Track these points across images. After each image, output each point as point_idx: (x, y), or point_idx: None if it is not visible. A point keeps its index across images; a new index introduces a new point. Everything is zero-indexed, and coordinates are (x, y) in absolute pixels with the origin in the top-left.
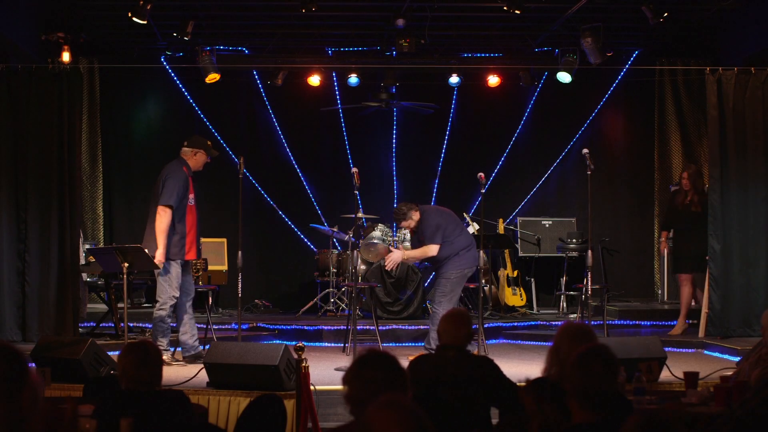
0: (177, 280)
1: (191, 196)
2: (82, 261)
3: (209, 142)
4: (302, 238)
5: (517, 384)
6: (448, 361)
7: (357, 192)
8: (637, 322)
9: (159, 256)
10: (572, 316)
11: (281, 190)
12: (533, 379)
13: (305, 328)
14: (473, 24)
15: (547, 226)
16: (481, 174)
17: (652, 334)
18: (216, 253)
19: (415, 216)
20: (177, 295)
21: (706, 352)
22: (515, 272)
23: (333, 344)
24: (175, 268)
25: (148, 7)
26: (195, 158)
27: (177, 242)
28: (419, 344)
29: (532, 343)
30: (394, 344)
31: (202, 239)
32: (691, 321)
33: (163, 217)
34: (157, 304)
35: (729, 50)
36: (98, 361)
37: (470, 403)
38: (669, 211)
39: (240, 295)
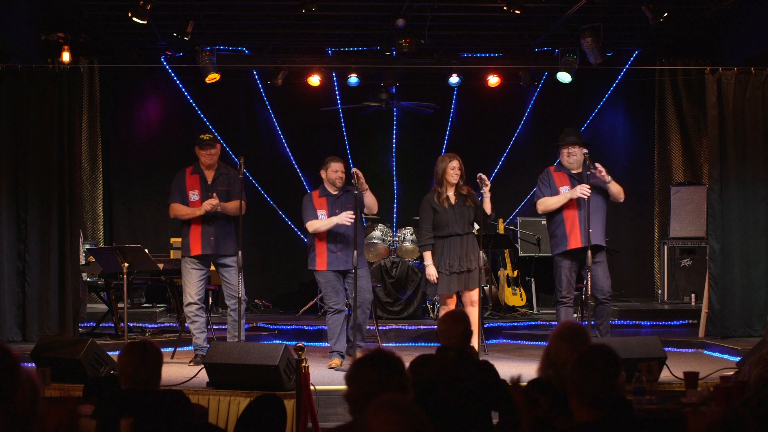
0: (188, 278)
1: (190, 192)
2: (82, 261)
3: (203, 136)
4: (302, 238)
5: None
6: (448, 361)
7: (357, 192)
8: (637, 322)
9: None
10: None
11: (281, 190)
12: (528, 381)
13: (305, 328)
14: (473, 24)
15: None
16: (481, 174)
17: (652, 334)
18: None
19: None
20: (192, 293)
21: (706, 352)
22: (515, 272)
23: None
24: (186, 266)
25: (148, 7)
26: (198, 154)
27: (183, 240)
28: (419, 344)
29: (532, 343)
30: (394, 344)
31: None
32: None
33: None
34: None
35: (729, 50)
36: (98, 361)
37: (470, 403)
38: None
39: (240, 295)
